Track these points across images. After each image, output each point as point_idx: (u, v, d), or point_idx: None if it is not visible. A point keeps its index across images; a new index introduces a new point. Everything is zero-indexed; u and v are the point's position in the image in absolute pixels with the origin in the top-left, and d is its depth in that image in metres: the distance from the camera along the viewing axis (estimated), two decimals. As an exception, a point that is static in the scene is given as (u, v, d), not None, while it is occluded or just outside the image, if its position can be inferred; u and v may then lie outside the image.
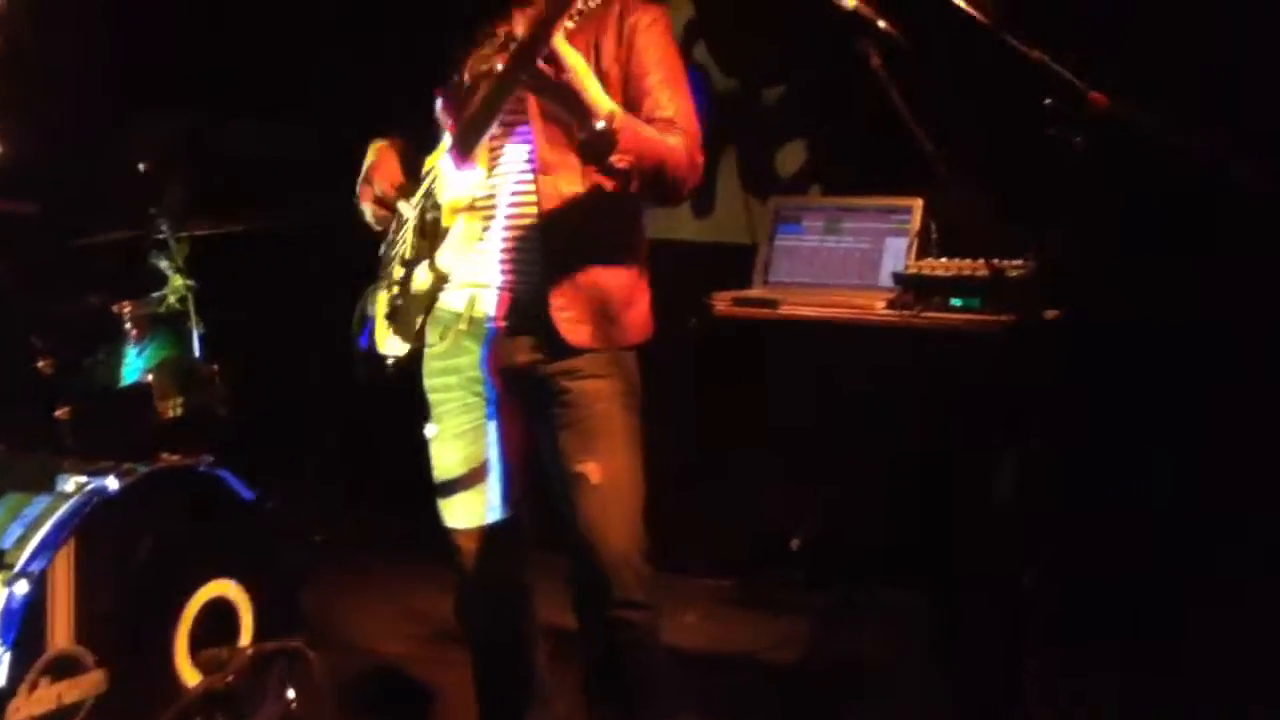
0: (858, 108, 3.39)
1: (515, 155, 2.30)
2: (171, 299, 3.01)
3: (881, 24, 2.25)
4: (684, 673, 2.50)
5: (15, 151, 3.29)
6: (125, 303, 2.98)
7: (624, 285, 2.33)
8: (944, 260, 2.97)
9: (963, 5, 2.10)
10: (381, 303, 2.43)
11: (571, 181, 2.27)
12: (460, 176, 2.25)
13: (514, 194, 2.30)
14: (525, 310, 2.30)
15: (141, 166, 3.19)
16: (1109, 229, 3.17)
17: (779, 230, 3.28)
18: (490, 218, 2.30)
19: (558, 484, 2.31)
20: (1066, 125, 2.22)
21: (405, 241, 2.38)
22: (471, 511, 2.42)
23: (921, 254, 3.07)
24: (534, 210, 2.27)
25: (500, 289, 2.32)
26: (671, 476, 2.51)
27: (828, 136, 3.93)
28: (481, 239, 2.29)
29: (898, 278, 2.94)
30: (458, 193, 2.26)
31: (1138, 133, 2.28)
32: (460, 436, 2.42)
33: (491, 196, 2.30)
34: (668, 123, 2.24)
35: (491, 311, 2.33)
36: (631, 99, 2.25)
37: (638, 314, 2.36)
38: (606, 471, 2.26)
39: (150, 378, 2.90)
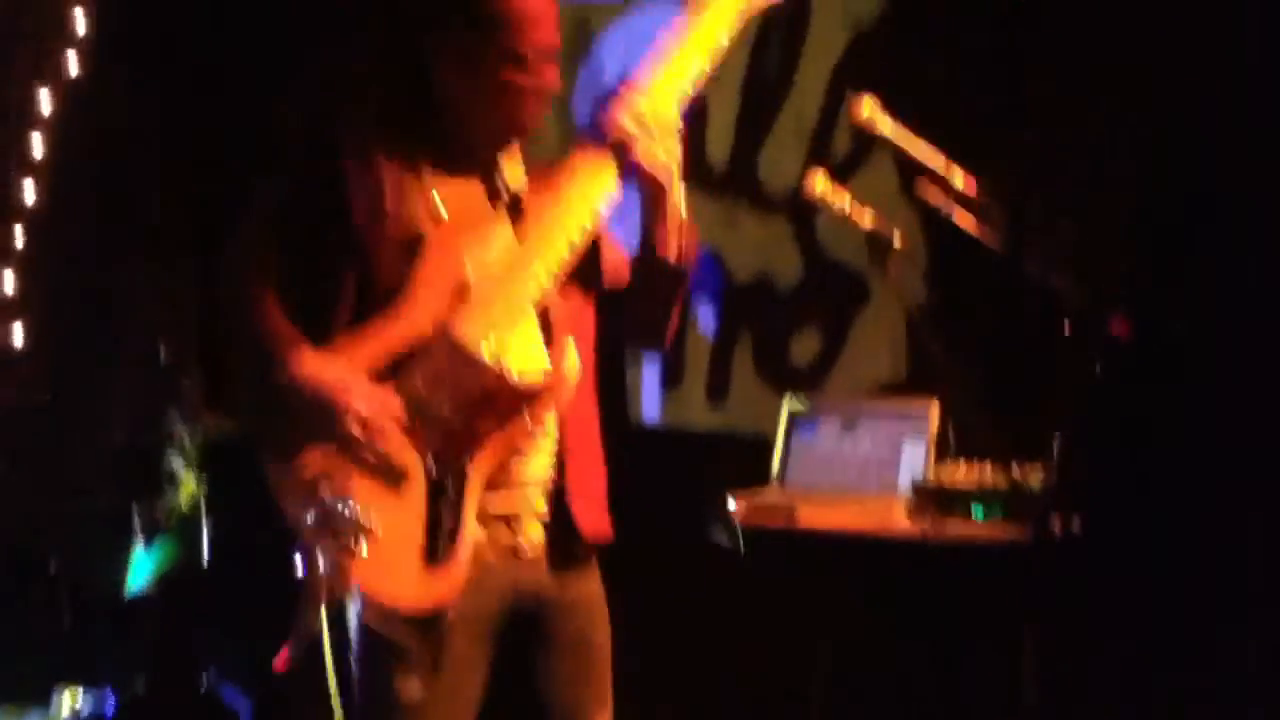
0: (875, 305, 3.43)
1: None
2: (183, 501, 2.96)
3: (896, 243, 2.26)
4: None
5: (34, 345, 3.28)
6: (135, 503, 2.94)
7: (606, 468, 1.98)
8: (963, 464, 2.92)
9: (980, 236, 2.11)
10: None
11: (581, 343, 1.87)
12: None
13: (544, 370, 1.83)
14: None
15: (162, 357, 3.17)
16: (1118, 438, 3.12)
17: (794, 431, 3.24)
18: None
19: None
20: (1085, 352, 2.21)
21: None
22: None
23: (940, 457, 3.03)
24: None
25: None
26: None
27: (843, 328, 3.93)
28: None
29: (917, 489, 2.90)
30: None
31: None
32: None
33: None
34: None
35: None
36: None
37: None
38: None
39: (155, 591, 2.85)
